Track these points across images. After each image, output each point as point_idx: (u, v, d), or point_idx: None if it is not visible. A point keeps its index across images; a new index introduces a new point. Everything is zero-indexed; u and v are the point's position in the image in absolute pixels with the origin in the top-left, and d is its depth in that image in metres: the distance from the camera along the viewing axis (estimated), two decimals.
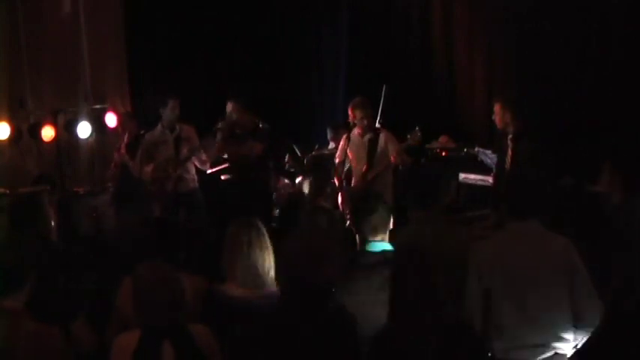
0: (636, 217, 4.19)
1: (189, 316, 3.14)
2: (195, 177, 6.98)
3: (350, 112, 6.60)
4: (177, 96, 6.94)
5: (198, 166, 6.94)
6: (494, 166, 6.51)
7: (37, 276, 3.15)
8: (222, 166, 7.40)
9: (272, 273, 3.59)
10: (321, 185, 6.92)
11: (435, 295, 2.80)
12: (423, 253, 2.91)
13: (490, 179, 6.68)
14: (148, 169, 6.79)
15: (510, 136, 5.95)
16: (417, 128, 6.35)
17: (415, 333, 2.75)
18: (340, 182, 6.66)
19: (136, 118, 7.75)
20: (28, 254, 3.13)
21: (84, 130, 8.13)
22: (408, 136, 6.38)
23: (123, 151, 7.39)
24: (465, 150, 7.39)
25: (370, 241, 3.71)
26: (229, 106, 7.03)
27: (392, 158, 6.40)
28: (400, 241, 3.64)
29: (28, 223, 4.27)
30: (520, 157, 5.82)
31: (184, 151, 6.78)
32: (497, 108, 6.14)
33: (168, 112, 6.84)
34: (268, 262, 3.59)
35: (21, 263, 3.09)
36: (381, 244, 3.67)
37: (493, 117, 6.20)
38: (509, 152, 5.92)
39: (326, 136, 8.33)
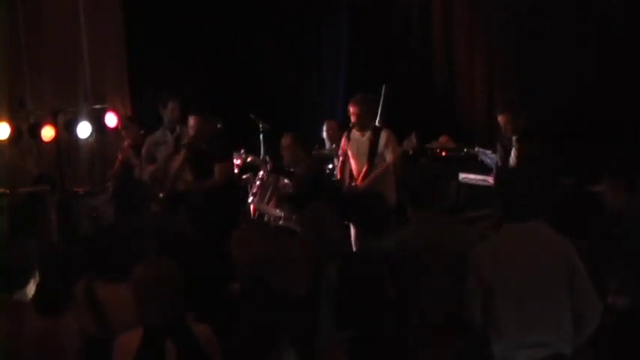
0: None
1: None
2: None
3: None
4: (177, 98, 6.95)
5: None
6: (494, 166, 6.49)
7: (40, 274, 3.17)
8: None
9: None
10: None
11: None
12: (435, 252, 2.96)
13: (490, 179, 6.66)
14: (150, 169, 6.80)
15: (516, 137, 5.89)
16: (412, 134, 6.28)
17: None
18: (344, 182, 6.63)
19: (137, 121, 7.73)
20: (31, 252, 3.14)
21: (84, 130, 8.13)
22: (404, 142, 6.31)
23: (128, 149, 7.39)
24: (465, 150, 7.39)
25: (368, 239, 3.73)
26: (191, 121, 6.54)
27: (390, 159, 6.36)
28: (402, 240, 3.64)
29: (29, 223, 4.28)
30: (526, 157, 5.75)
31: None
32: (505, 118, 5.91)
33: (169, 113, 6.88)
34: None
35: (24, 261, 3.10)
36: (380, 242, 3.68)
37: (503, 129, 5.98)
38: (515, 152, 5.86)
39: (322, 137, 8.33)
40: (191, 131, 6.49)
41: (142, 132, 7.37)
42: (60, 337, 3.04)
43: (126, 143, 7.48)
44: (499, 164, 6.25)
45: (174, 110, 6.88)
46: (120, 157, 7.48)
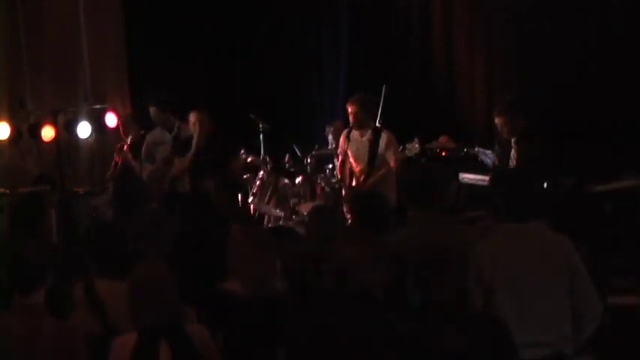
0: None
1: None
2: None
3: None
4: (154, 101, 6.96)
5: None
6: (491, 166, 6.47)
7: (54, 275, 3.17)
8: None
9: (277, 273, 3.62)
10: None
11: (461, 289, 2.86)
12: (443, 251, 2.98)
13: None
14: (150, 168, 6.81)
15: (515, 139, 5.86)
16: (415, 139, 6.24)
17: (444, 326, 2.78)
18: (343, 181, 6.63)
19: (139, 120, 7.71)
20: (46, 252, 3.14)
21: (84, 130, 8.12)
22: (407, 147, 6.28)
23: (127, 151, 7.39)
24: (465, 150, 7.37)
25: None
26: (192, 118, 6.73)
27: (391, 163, 6.34)
28: (402, 240, 3.64)
29: (28, 223, 4.27)
30: (526, 158, 5.71)
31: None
32: (502, 120, 5.80)
33: (151, 116, 6.96)
34: (270, 263, 3.61)
35: (41, 261, 3.10)
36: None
37: (499, 130, 5.87)
38: (515, 154, 5.84)
39: (326, 136, 8.34)
40: (193, 128, 6.49)
41: (142, 132, 7.37)
42: (72, 338, 3.04)
43: (125, 145, 7.46)
44: (496, 164, 6.24)
45: (155, 113, 6.93)
46: (116, 158, 7.47)
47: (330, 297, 2.98)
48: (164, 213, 6.68)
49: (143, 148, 6.99)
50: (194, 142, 6.52)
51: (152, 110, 6.94)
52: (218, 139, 6.65)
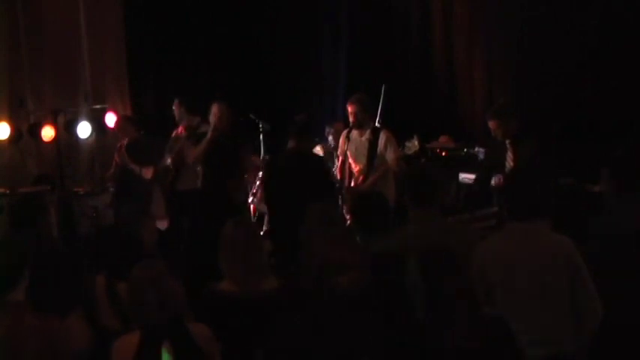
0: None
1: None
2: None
3: None
4: (180, 97, 7.14)
5: None
6: (483, 167, 6.46)
7: (33, 271, 3.15)
8: None
9: (267, 271, 3.62)
10: None
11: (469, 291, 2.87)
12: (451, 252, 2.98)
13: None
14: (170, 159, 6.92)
15: (509, 141, 5.85)
16: (414, 137, 6.24)
17: (453, 328, 2.79)
18: (343, 182, 6.63)
19: (136, 122, 7.69)
20: (26, 252, 3.13)
21: (84, 130, 8.13)
22: (406, 145, 6.27)
23: (123, 152, 7.40)
24: (465, 150, 7.38)
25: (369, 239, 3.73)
26: (214, 109, 6.77)
27: (390, 162, 6.33)
28: (402, 240, 3.64)
29: (28, 223, 4.27)
30: (523, 159, 5.71)
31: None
32: (495, 124, 5.79)
33: (174, 111, 7.12)
34: (263, 261, 3.62)
35: (20, 261, 3.09)
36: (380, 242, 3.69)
37: (493, 133, 5.84)
38: (511, 155, 5.84)
39: (326, 137, 8.33)
40: (213, 119, 6.55)
41: (142, 132, 7.38)
42: (59, 337, 3.03)
43: (122, 144, 7.46)
44: (485, 162, 6.24)
45: (177, 108, 7.09)
46: (116, 158, 7.48)
47: (309, 298, 2.98)
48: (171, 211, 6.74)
49: (169, 142, 7.07)
50: (210, 130, 6.54)
51: (175, 103, 7.14)
52: (233, 132, 6.76)
